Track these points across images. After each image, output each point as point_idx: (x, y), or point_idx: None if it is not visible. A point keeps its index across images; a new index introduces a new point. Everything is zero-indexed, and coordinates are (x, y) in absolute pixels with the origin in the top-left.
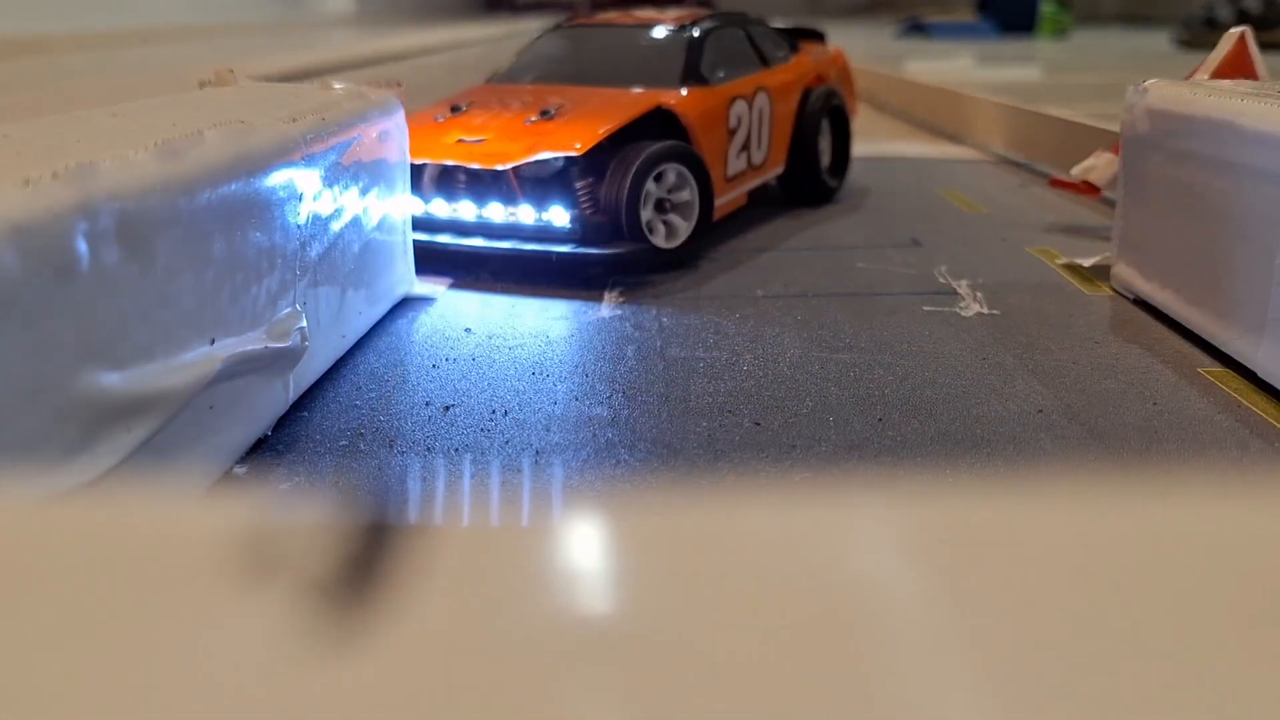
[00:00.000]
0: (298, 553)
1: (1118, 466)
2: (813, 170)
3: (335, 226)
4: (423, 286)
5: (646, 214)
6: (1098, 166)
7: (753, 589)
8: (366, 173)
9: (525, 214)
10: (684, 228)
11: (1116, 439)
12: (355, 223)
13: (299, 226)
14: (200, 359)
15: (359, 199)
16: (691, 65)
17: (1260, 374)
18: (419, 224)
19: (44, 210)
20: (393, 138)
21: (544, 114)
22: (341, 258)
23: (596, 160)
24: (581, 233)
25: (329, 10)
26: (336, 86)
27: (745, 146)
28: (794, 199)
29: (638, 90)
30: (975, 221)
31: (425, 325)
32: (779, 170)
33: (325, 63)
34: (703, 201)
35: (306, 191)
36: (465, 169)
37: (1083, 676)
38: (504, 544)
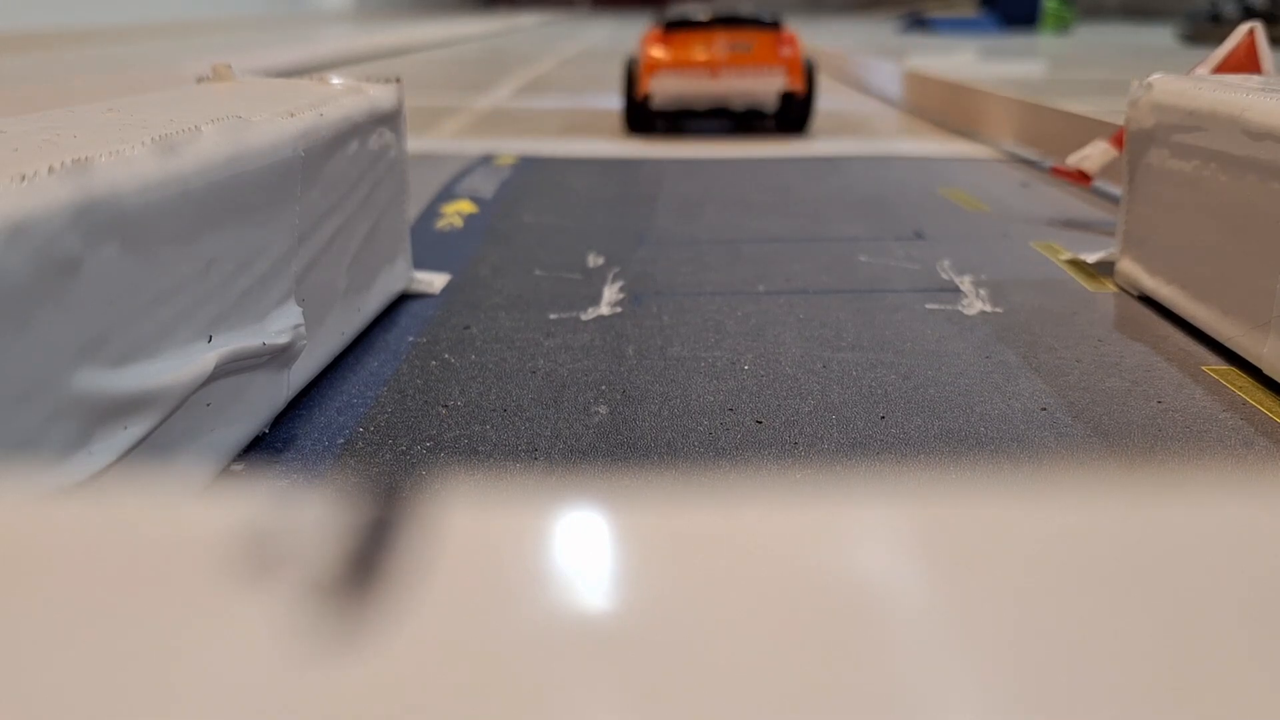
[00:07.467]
0: (296, 550)
1: (1122, 465)
2: None
3: (333, 222)
4: (421, 282)
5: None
6: (1092, 156)
7: (755, 588)
8: (364, 168)
9: None
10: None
11: (1120, 437)
12: (353, 218)
13: (296, 222)
14: (197, 356)
15: (357, 194)
16: None
17: (1266, 371)
18: None
19: (40, 206)
20: (391, 132)
21: None
22: (339, 253)
23: None
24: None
25: (327, 6)
26: (334, 81)
27: None
28: None
29: None
30: (979, 217)
31: (424, 321)
32: None
33: (325, 59)
34: None
35: (304, 187)
36: None
37: (1086, 674)
38: (504, 543)
